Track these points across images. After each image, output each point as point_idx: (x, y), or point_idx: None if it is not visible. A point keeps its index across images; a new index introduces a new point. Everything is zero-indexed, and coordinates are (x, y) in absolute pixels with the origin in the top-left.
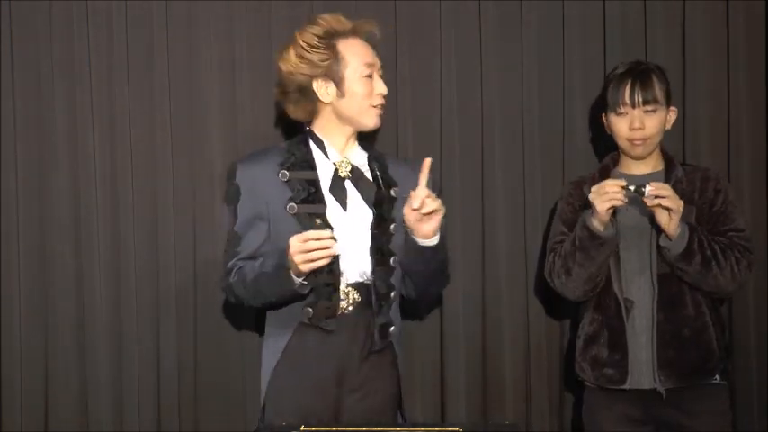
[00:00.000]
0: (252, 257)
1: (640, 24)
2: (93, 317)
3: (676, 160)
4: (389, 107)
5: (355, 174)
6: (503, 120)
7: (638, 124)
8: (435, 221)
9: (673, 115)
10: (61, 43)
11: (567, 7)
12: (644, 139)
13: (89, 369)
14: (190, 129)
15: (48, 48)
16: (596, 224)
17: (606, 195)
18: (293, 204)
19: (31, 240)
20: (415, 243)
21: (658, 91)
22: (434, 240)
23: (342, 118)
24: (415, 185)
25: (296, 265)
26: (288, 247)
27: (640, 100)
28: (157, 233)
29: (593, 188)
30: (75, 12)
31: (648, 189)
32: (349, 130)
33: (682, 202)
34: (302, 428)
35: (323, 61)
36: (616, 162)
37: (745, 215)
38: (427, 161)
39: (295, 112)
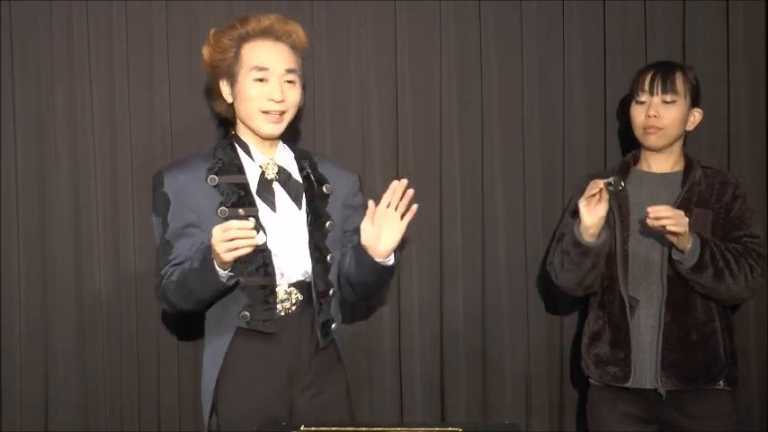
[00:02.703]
0: (182, 263)
1: (640, 24)
2: (93, 317)
3: (697, 162)
4: (390, 107)
5: (282, 175)
6: (503, 120)
7: (654, 112)
8: (393, 241)
9: (698, 116)
10: (61, 43)
11: (566, 7)
12: (658, 128)
13: (89, 369)
14: (190, 128)
15: (48, 48)
16: (585, 234)
17: (593, 199)
18: (224, 208)
19: (31, 240)
20: (372, 261)
21: (680, 84)
22: (390, 260)
23: (242, 121)
24: (341, 182)
25: (219, 255)
26: (211, 238)
27: (659, 89)
28: None
29: (582, 200)
30: (75, 12)
31: (648, 215)
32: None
33: (686, 221)
34: (302, 428)
35: (221, 61)
36: (637, 160)
37: (762, 223)
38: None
39: (215, 106)
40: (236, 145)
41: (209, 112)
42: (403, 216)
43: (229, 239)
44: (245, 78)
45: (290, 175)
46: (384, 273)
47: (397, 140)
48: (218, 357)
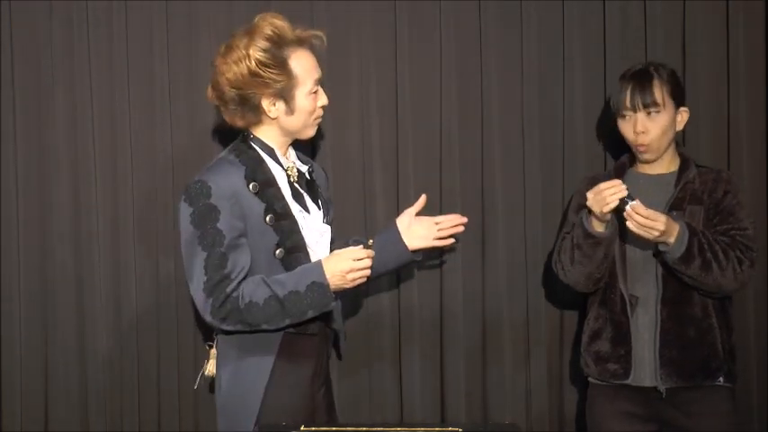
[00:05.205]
0: (243, 279)
1: (640, 24)
2: (94, 317)
3: (692, 161)
4: (390, 107)
5: (301, 177)
6: (503, 120)
7: (641, 128)
8: (420, 244)
9: (685, 115)
10: (61, 43)
11: (566, 7)
12: (647, 144)
13: (89, 369)
14: (190, 129)
15: (48, 48)
16: (595, 224)
17: (603, 200)
18: (272, 216)
19: (31, 240)
20: (405, 248)
21: (659, 93)
22: (419, 256)
23: (283, 130)
24: (320, 176)
25: (347, 281)
26: (321, 264)
27: (640, 104)
28: (157, 233)
29: (589, 193)
30: (75, 12)
31: (630, 205)
32: (289, 138)
33: (661, 229)
34: (302, 428)
35: (276, 82)
36: (632, 161)
37: (752, 217)
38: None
39: (233, 119)
40: (258, 148)
41: (208, 112)
42: (443, 239)
43: (360, 269)
44: (303, 93)
45: (304, 176)
46: (402, 264)
47: (396, 140)
48: (264, 369)
